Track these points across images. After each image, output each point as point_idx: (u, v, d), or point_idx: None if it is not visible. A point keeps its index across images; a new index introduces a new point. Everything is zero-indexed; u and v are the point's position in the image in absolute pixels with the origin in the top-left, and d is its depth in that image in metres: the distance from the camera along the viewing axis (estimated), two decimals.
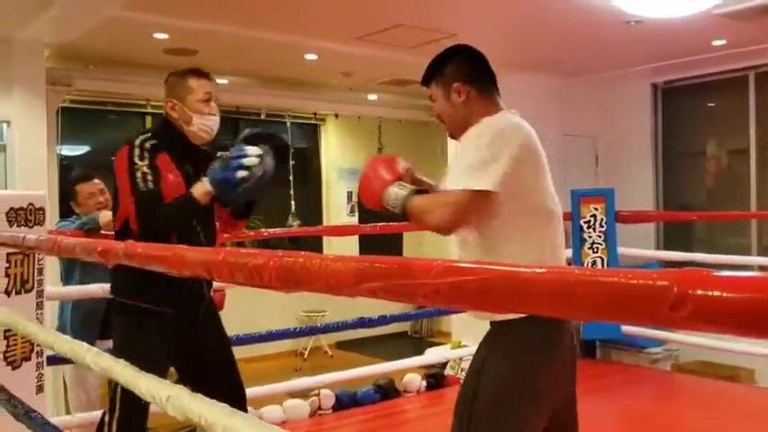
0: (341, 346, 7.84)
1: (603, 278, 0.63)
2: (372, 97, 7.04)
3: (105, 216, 3.27)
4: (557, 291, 0.72)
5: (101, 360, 1.71)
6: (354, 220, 8.10)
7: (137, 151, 2.28)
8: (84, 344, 1.84)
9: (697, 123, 6.28)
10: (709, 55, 5.32)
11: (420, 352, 6.78)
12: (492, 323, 1.89)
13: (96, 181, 3.64)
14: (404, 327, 8.56)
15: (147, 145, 2.30)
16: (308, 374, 5.19)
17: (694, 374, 5.21)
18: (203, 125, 2.37)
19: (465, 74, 2.00)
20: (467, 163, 1.82)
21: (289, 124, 7.30)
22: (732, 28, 4.40)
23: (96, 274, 3.44)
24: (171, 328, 2.36)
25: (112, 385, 2.29)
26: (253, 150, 2.28)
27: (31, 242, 2.25)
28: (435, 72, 2.02)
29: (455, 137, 2.09)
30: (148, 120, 6.69)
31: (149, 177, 2.24)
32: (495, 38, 4.34)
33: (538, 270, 0.73)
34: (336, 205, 8.14)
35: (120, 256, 1.62)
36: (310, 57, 5.14)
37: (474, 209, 1.80)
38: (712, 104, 6.18)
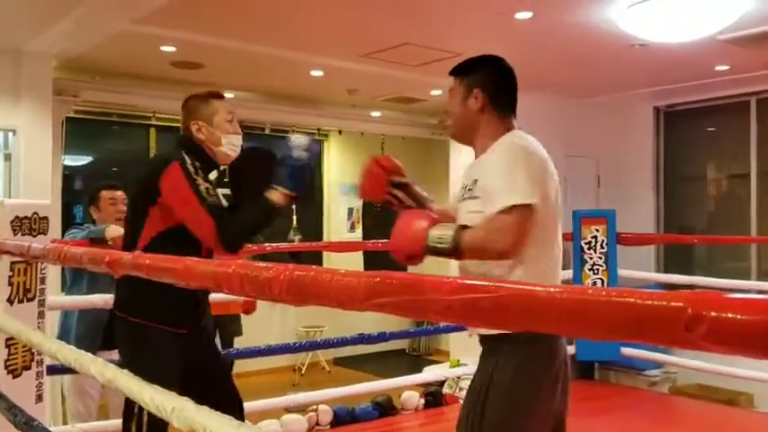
0: (338, 362, 7.80)
1: (619, 298, 0.64)
2: (376, 114, 7.07)
3: (115, 231, 3.28)
4: (572, 310, 0.73)
5: (106, 371, 1.71)
6: (353, 236, 8.10)
7: (190, 168, 2.30)
8: (89, 354, 1.85)
9: (698, 147, 6.31)
10: (711, 80, 5.36)
11: (418, 370, 6.75)
12: (492, 338, 1.90)
13: (120, 192, 3.66)
14: (402, 344, 8.52)
15: (193, 164, 2.33)
16: (305, 390, 5.18)
17: (693, 398, 5.19)
18: (231, 144, 2.42)
19: (490, 84, 2.03)
20: (504, 181, 1.84)
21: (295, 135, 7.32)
22: (735, 54, 4.44)
23: (104, 283, 3.45)
24: (175, 343, 2.36)
25: (136, 406, 2.29)
26: (296, 138, 2.36)
27: (36, 251, 2.27)
28: (465, 69, 2.05)
29: (456, 138, 2.13)
30: (152, 132, 6.71)
31: (211, 191, 2.28)
32: None
33: (553, 289, 0.74)
34: (337, 221, 8.15)
35: (128, 266, 1.63)
36: (316, 73, 5.17)
37: (525, 224, 1.82)
38: (714, 129, 6.21)
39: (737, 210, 5.86)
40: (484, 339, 1.96)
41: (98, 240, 3.23)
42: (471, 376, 5.78)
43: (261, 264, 1.18)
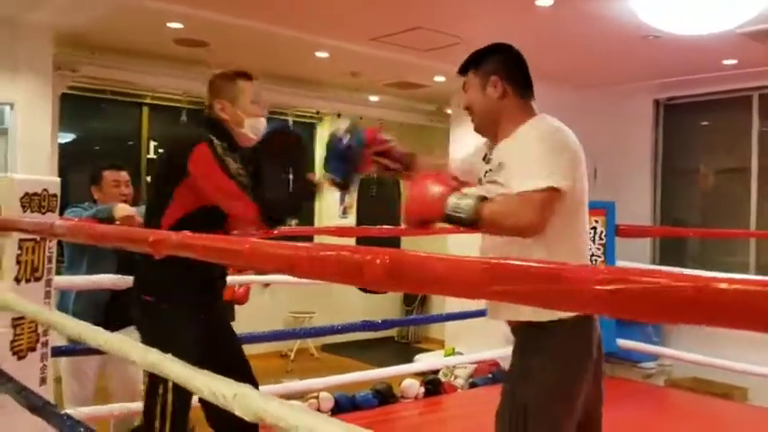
0: (326, 348, 7.76)
1: None
2: (374, 98, 7.00)
3: (123, 210, 3.19)
4: (751, 304, 0.68)
5: (149, 355, 1.64)
6: (346, 222, 8.04)
7: (218, 149, 2.25)
8: (129, 339, 1.78)
9: (697, 141, 6.33)
10: (715, 74, 5.37)
11: (407, 357, 6.75)
12: (529, 325, 1.87)
13: (124, 173, 3.57)
14: (390, 331, 8.50)
15: (224, 144, 2.29)
16: (298, 376, 5.14)
17: (688, 391, 5.23)
18: (254, 127, 2.38)
19: (505, 69, 1.99)
20: (536, 163, 1.81)
21: (291, 122, 7.25)
22: (747, 48, 4.43)
23: (105, 263, 3.36)
24: (197, 325, 2.33)
25: (161, 386, 2.22)
26: (343, 124, 2.30)
27: (61, 229, 2.18)
28: (476, 61, 2.01)
29: (481, 131, 2.07)
30: (145, 110, 6.57)
31: (241, 172, 2.26)
32: None
33: (728, 281, 0.70)
34: (329, 206, 8.09)
35: (176, 247, 1.55)
36: (321, 55, 5.08)
37: (553, 206, 1.78)
38: (714, 123, 6.23)
39: (735, 204, 5.89)
40: (519, 327, 1.93)
41: (105, 220, 3.13)
42: (466, 365, 5.75)
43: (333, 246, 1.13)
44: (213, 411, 2.43)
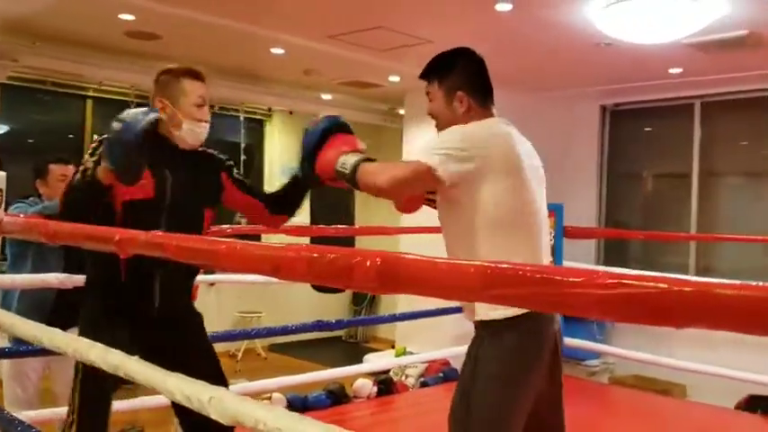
0: (274, 348, 7.68)
1: None
2: (327, 97, 6.96)
3: None
4: (754, 309, 0.70)
5: (108, 356, 1.59)
6: (295, 220, 7.94)
7: (93, 145, 2.15)
8: (86, 340, 1.71)
9: (642, 146, 6.52)
10: (661, 81, 5.53)
11: (356, 357, 6.74)
12: (482, 323, 1.88)
13: (72, 167, 3.44)
14: (338, 331, 8.48)
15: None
16: (245, 377, 5.07)
17: (631, 388, 5.36)
18: (192, 131, 2.24)
19: (469, 83, 2.02)
20: (427, 145, 1.87)
21: (242, 118, 7.15)
22: (693, 57, 4.58)
23: (52, 261, 3.25)
24: (143, 325, 2.23)
25: (74, 381, 2.14)
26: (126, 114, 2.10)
27: (14, 226, 2.09)
28: (440, 72, 2.03)
29: None
30: (89, 103, 6.38)
31: (88, 173, 2.08)
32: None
33: (731, 286, 0.71)
34: None
35: (144, 246, 1.50)
36: (276, 51, 5.02)
37: (420, 181, 1.85)
38: (658, 129, 6.42)
39: (677, 208, 6.09)
40: (476, 325, 1.93)
41: (53, 216, 3.01)
42: (417, 365, 5.76)
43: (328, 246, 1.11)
44: (185, 414, 2.33)
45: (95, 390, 2.08)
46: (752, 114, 5.76)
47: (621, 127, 6.50)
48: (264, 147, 7.85)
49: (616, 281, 0.78)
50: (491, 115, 2.02)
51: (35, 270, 3.27)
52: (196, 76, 2.24)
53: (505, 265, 0.87)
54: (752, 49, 4.24)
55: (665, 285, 0.75)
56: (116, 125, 2.00)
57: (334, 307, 7.97)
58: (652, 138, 6.49)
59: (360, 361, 6.10)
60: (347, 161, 1.89)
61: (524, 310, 1.82)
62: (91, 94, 6.29)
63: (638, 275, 0.78)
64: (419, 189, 1.92)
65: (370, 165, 1.88)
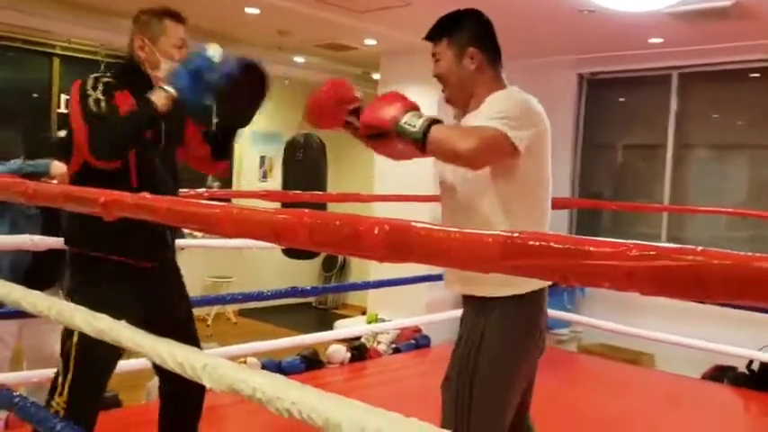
0: (244, 313, 7.65)
1: None
2: (299, 59, 6.83)
3: (59, 167, 2.98)
4: None
5: (98, 322, 1.53)
6: (266, 185, 7.88)
7: (90, 82, 2.08)
8: (72, 304, 1.65)
9: (618, 116, 6.54)
10: (641, 51, 5.52)
11: (326, 323, 6.75)
12: (482, 297, 1.88)
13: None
14: (309, 297, 8.47)
15: (104, 80, 2.12)
16: (216, 342, 5.05)
17: (599, 356, 5.46)
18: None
19: (481, 40, 1.96)
20: (497, 112, 1.80)
21: None
22: (674, 27, 4.57)
23: (29, 223, 3.16)
24: (133, 279, 2.20)
25: (67, 343, 2.08)
26: (214, 49, 2.15)
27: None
28: (449, 30, 1.96)
29: (453, 102, 2.04)
30: (56, 62, 6.16)
31: (102, 103, 2.04)
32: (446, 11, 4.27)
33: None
34: (249, 170, 7.91)
35: (132, 209, 1.44)
36: (251, 11, 4.88)
37: (498, 150, 1.77)
38: (634, 100, 6.44)
39: (651, 179, 6.14)
40: (471, 298, 1.93)
41: (35, 176, 2.90)
42: (389, 331, 5.79)
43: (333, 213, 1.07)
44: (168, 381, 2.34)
45: (100, 354, 2.03)
46: (728, 87, 5.80)
47: (598, 97, 6.50)
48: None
49: (648, 253, 0.76)
50: (501, 78, 1.97)
51: (12, 232, 3.18)
52: (177, 17, 2.25)
53: (526, 235, 0.84)
54: (735, 20, 4.24)
55: (702, 258, 0.72)
56: (200, 60, 2.09)
57: (305, 272, 7.94)
58: (629, 108, 6.50)
59: (330, 327, 6.11)
60: (413, 119, 1.78)
61: (534, 287, 1.82)
62: (58, 51, 6.08)
63: (670, 248, 0.75)
64: (496, 159, 1.80)
65: (443, 127, 1.79)
